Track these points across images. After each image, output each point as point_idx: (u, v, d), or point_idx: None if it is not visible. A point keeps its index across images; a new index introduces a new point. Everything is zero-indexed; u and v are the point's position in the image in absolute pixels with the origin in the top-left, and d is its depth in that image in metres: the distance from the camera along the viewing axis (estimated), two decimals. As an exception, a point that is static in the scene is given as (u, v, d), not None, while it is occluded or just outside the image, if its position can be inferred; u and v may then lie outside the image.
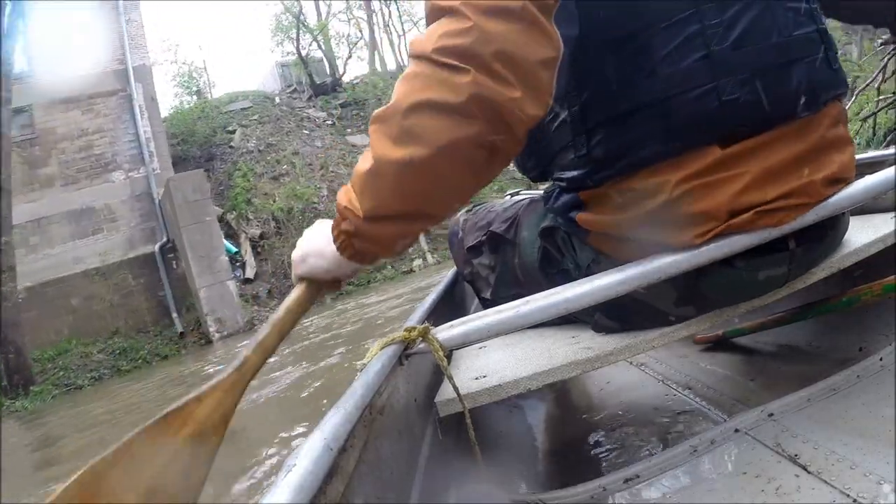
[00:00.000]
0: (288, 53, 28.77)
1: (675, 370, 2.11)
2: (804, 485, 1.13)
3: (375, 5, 28.19)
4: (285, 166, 20.52)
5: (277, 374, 8.15)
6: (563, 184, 1.40)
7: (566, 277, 1.46)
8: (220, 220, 17.54)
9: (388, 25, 30.84)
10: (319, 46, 28.73)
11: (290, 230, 17.97)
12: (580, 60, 1.25)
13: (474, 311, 1.51)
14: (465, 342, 1.24)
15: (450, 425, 1.45)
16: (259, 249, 17.57)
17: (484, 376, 1.43)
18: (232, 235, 17.65)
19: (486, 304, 1.93)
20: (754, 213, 1.18)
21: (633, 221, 1.26)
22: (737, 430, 1.36)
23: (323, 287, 1.24)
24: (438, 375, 1.54)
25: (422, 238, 16.98)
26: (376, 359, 1.16)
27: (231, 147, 20.95)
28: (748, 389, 1.76)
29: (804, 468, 1.16)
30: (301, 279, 1.23)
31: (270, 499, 0.67)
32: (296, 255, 1.24)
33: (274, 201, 18.71)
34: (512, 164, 1.34)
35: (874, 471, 1.08)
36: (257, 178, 19.60)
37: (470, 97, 0.97)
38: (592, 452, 1.79)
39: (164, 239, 15.10)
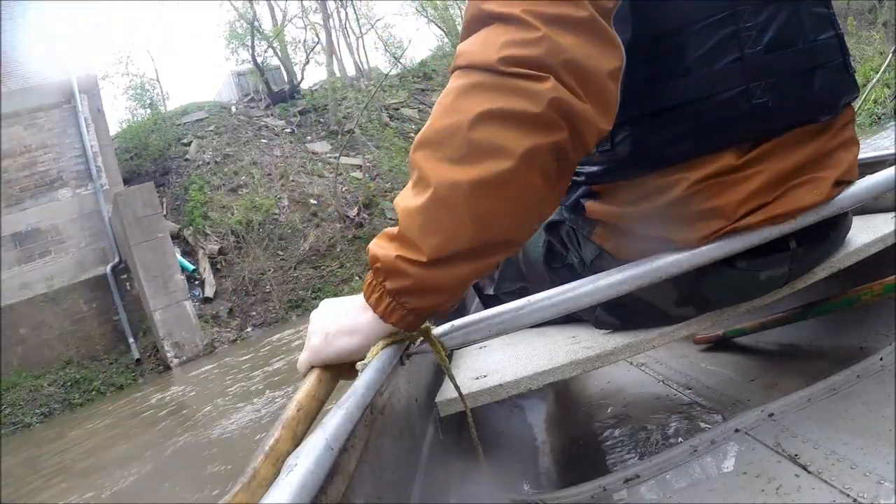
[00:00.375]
0: (243, 61, 28.96)
1: (675, 370, 2.19)
2: (804, 485, 1.18)
3: (331, 6, 28.14)
4: (243, 177, 20.40)
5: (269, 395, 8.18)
6: (580, 178, 1.45)
7: (570, 271, 1.56)
8: (177, 236, 17.29)
9: (345, 27, 30.91)
10: (276, 53, 28.88)
11: (249, 244, 17.82)
12: None
13: (475, 311, 1.55)
14: (466, 342, 1.28)
15: (450, 425, 1.53)
16: (218, 266, 17.31)
17: (485, 376, 1.51)
18: (190, 252, 17.42)
19: (489, 299, 2.02)
20: (762, 213, 1.25)
21: (641, 215, 1.34)
22: (737, 430, 1.43)
23: (342, 371, 1.14)
24: (439, 375, 1.63)
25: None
26: (377, 358, 1.18)
27: (187, 160, 20.78)
28: (748, 389, 1.83)
29: (804, 468, 1.22)
30: (313, 367, 1.12)
31: (271, 498, 0.71)
32: (314, 341, 1.11)
33: (232, 214, 18.58)
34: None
35: (874, 471, 1.14)
36: (214, 191, 19.42)
37: (549, 104, 0.94)
38: (592, 452, 1.87)
39: (116, 259, 14.65)
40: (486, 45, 0.97)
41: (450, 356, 1.46)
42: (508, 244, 1.05)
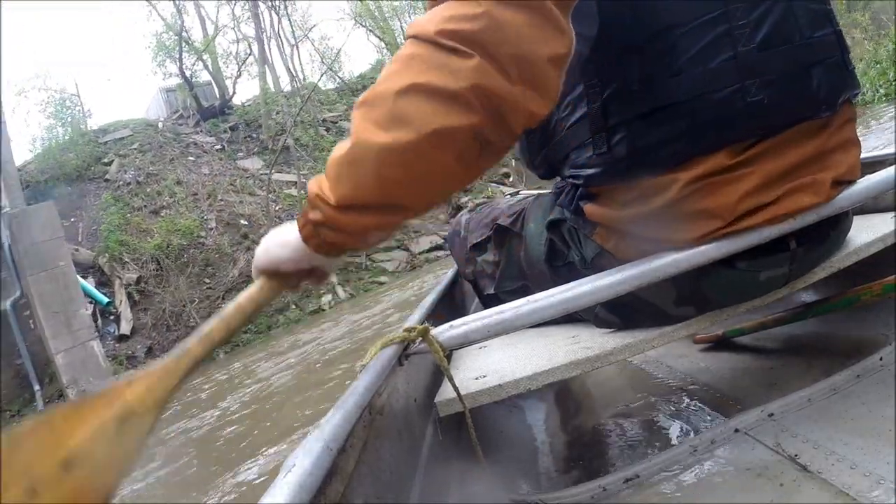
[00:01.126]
0: (172, 75, 28.82)
1: (675, 370, 2.28)
2: (804, 485, 1.26)
3: (262, 6, 28.19)
4: (167, 197, 20.09)
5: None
6: (578, 181, 1.53)
7: (572, 270, 1.63)
8: (93, 265, 17.09)
9: (278, 34, 30.92)
10: (206, 67, 28.77)
11: (171, 272, 17.29)
12: (602, 57, 1.37)
13: (474, 311, 1.63)
14: (465, 342, 1.36)
15: (450, 425, 1.60)
16: (137, 298, 16.66)
17: (484, 376, 1.58)
18: (106, 283, 16.64)
19: (489, 299, 2.10)
20: (760, 214, 1.33)
21: (638, 217, 1.41)
22: (737, 430, 1.51)
23: (283, 284, 1.31)
24: (438, 375, 1.70)
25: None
26: (376, 359, 1.28)
27: (107, 180, 20.54)
28: (748, 389, 1.91)
29: (804, 468, 1.30)
30: (261, 273, 1.30)
31: (270, 499, 0.77)
32: (259, 249, 1.30)
33: (152, 238, 18.13)
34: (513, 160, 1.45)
35: (874, 471, 1.21)
36: (134, 213, 18.93)
37: (471, 85, 1.01)
38: (592, 452, 1.94)
39: (18, 293, 13.46)
40: (432, 17, 1.07)
41: (449, 356, 1.53)
42: (407, 210, 1.17)
